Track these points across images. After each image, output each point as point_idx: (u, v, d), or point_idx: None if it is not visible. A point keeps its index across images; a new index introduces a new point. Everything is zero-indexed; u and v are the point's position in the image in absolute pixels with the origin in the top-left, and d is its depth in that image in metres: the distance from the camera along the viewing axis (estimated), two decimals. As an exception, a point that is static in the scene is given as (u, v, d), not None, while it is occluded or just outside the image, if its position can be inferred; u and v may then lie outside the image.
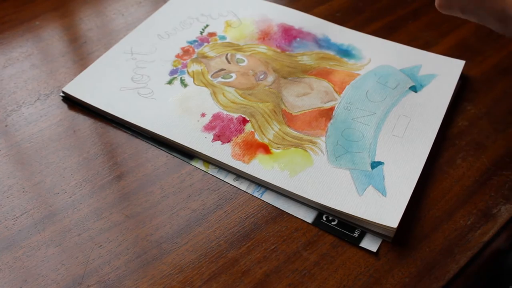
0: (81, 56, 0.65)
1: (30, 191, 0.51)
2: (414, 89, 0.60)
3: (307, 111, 0.58)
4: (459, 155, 0.55)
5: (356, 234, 0.48)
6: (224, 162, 0.53)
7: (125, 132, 0.57)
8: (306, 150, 0.54)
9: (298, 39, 0.66)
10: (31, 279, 0.45)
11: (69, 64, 0.64)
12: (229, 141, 0.55)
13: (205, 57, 0.64)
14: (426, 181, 0.52)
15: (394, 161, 0.53)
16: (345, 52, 0.64)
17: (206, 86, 0.60)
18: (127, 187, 0.52)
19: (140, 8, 0.72)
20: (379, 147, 0.54)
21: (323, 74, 0.62)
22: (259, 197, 0.51)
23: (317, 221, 0.49)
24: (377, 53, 0.64)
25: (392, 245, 0.48)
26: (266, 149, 0.54)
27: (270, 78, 0.61)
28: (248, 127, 0.56)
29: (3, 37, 0.67)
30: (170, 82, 0.61)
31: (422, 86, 0.60)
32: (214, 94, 0.59)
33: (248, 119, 0.57)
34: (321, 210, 0.50)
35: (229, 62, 0.63)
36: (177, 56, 0.64)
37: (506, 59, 0.65)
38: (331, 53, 0.64)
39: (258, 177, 0.51)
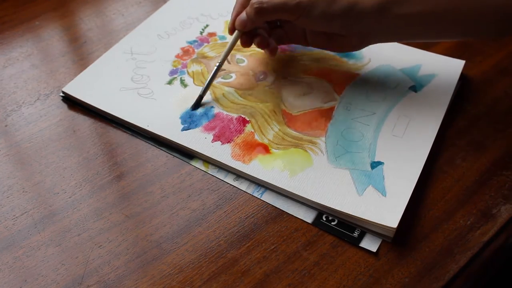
0: (81, 56, 0.65)
1: (30, 191, 0.51)
2: (414, 89, 0.60)
3: (307, 111, 0.58)
4: (459, 155, 0.55)
5: (356, 234, 0.48)
6: (224, 162, 0.53)
7: (125, 132, 0.57)
8: (306, 150, 0.54)
9: (298, 39, 0.66)
10: (31, 279, 0.45)
11: (69, 64, 0.64)
12: (229, 142, 0.55)
13: (205, 57, 0.64)
14: (426, 181, 0.52)
15: (394, 161, 0.53)
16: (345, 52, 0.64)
17: (206, 86, 0.60)
18: (127, 187, 0.52)
19: (140, 8, 0.72)
20: (379, 147, 0.54)
21: (323, 74, 0.62)
22: (259, 197, 0.51)
23: (317, 221, 0.49)
24: (377, 53, 0.64)
25: (392, 245, 0.48)
26: (266, 149, 0.54)
27: (270, 78, 0.61)
28: (248, 128, 0.56)
29: (3, 37, 0.67)
30: (170, 82, 0.61)
31: (422, 86, 0.60)
32: (214, 94, 0.59)
33: (248, 119, 0.57)
34: (321, 210, 0.50)
35: (229, 62, 0.63)
36: (177, 56, 0.64)
37: (506, 59, 0.65)
38: (331, 53, 0.64)
39: (258, 177, 0.51)
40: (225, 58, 0.59)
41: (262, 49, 0.61)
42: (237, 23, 0.58)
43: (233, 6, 0.59)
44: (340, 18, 0.54)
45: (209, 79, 0.58)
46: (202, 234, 0.48)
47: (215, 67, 0.58)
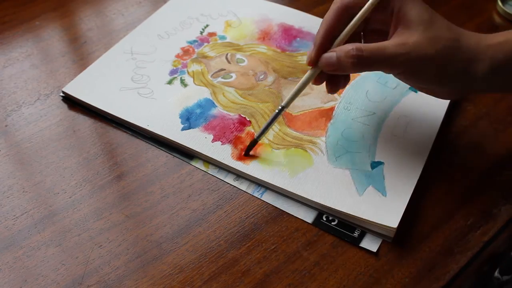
0: (81, 56, 0.65)
1: (30, 191, 0.51)
2: (414, 89, 0.60)
3: (307, 111, 0.58)
4: (459, 155, 0.55)
5: (356, 234, 0.48)
6: (224, 162, 0.53)
7: (125, 132, 0.57)
8: (306, 150, 0.54)
9: (298, 39, 0.66)
10: (31, 279, 0.45)
11: (69, 64, 0.64)
12: (229, 142, 0.55)
13: (205, 57, 0.64)
14: (426, 181, 0.52)
15: (394, 161, 0.53)
16: (345, 52, 0.64)
17: (206, 86, 0.60)
18: (127, 187, 0.52)
19: (140, 8, 0.72)
20: (379, 147, 0.54)
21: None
22: (259, 197, 0.51)
23: (317, 221, 0.49)
24: (377, 53, 0.64)
25: (392, 245, 0.48)
26: (266, 149, 0.54)
27: (270, 78, 0.61)
28: (248, 128, 0.56)
29: (3, 37, 0.67)
30: (170, 82, 0.61)
31: (422, 86, 0.60)
32: (214, 94, 0.59)
33: (248, 119, 0.57)
34: (321, 210, 0.50)
35: (229, 62, 0.63)
36: (177, 56, 0.64)
37: (506, 59, 0.65)
38: (331, 53, 0.64)
39: (258, 177, 0.51)
40: (291, 100, 0.51)
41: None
42: (323, 62, 0.48)
43: (320, 24, 0.49)
44: (453, 81, 0.47)
45: (268, 122, 0.52)
46: (202, 234, 0.48)
47: (277, 110, 0.51)
